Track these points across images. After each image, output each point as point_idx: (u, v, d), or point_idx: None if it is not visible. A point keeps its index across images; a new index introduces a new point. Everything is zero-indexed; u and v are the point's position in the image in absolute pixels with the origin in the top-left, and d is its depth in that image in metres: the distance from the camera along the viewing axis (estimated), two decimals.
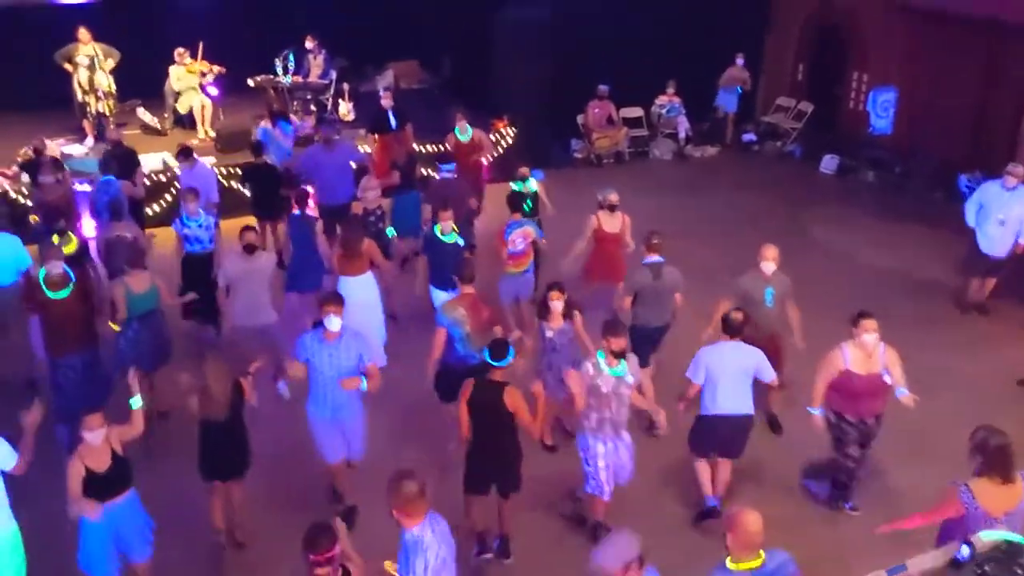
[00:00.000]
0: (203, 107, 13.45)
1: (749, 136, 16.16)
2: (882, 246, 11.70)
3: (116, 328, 7.45)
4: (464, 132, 11.04)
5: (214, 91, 13.57)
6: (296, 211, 9.00)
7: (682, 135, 15.63)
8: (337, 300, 6.29)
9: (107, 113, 12.82)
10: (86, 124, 12.77)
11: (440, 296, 8.20)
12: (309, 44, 13.79)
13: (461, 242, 8.45)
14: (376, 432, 6.82)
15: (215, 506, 6.32)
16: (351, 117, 14.00)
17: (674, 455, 7.06)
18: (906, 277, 10.85)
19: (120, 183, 9.62)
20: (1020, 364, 8.79)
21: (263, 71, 13.93)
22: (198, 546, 6.36)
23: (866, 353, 6.33)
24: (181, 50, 13.25)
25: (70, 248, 8.12)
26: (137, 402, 5.71)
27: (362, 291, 8.08)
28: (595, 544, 4.69)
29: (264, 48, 13.90)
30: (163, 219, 11.06)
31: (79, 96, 12.64)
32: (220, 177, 11.59)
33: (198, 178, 9.99)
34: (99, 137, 12.56)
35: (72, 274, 7.09)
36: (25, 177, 10.84)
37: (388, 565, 4.62)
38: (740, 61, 15.66)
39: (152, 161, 12.00)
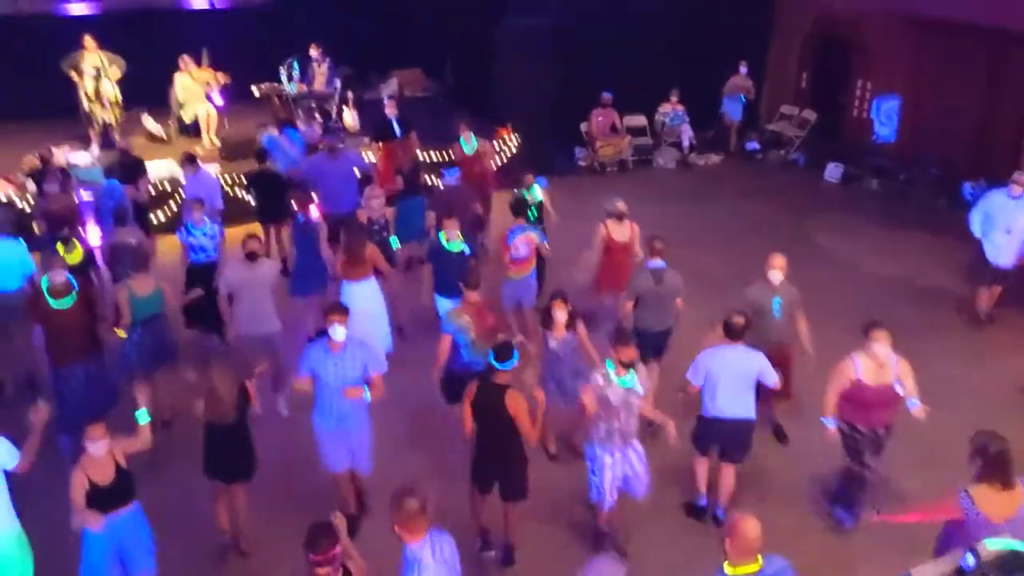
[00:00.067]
0: (208, 115, 13.50)
1: (753, 144, 16.16)
2: (886, 254, 11.70)
3: (122, 334, 7.41)
4: (469, 143, 11.06)
5: (219, 100, 13.62)
6: (300, 216, 9.01)
7: (686, 143, 15.64)
8: (341, 310, 6.27)
9: (113, 122, 12.87)
10: (92, 133, 12.83)
11: (445, 304, 8.19)
12: (314, 53, 13.81)
13: (467, 250, 8.46)
14: (381, 439, 6.82)
15: (220, 509, 6.33)
16: (356, 125, 14.05)
17: (674, 456, 7.04)
18: (910, 285, 10.84)
19: (124, 188, 9.66)
20: None
21: (268, 80, 13.98)
22: (199, 550, 6.37)
23: (877, 363, 6.29)
24: (186, 58, 13.32)
25: (75, 257, 8.15)
26: (144, 416, 5.64)
27: (365, 297, 8.11)
28: (596, 553, 4.69)
29: (269, 57, 13.95)
30: (168, 227, 11.07)
31: (85, 105, 12.70)
32: (225, 185, 11.62)
33: (202, 185, 10.03)
34: (104, 145, 12.62)
35: (75, 283, 7.07)
36: (31, 185, 10.89)
37: None
38: (743, 69, 15.67)
39: (158, 168, 12.03)
